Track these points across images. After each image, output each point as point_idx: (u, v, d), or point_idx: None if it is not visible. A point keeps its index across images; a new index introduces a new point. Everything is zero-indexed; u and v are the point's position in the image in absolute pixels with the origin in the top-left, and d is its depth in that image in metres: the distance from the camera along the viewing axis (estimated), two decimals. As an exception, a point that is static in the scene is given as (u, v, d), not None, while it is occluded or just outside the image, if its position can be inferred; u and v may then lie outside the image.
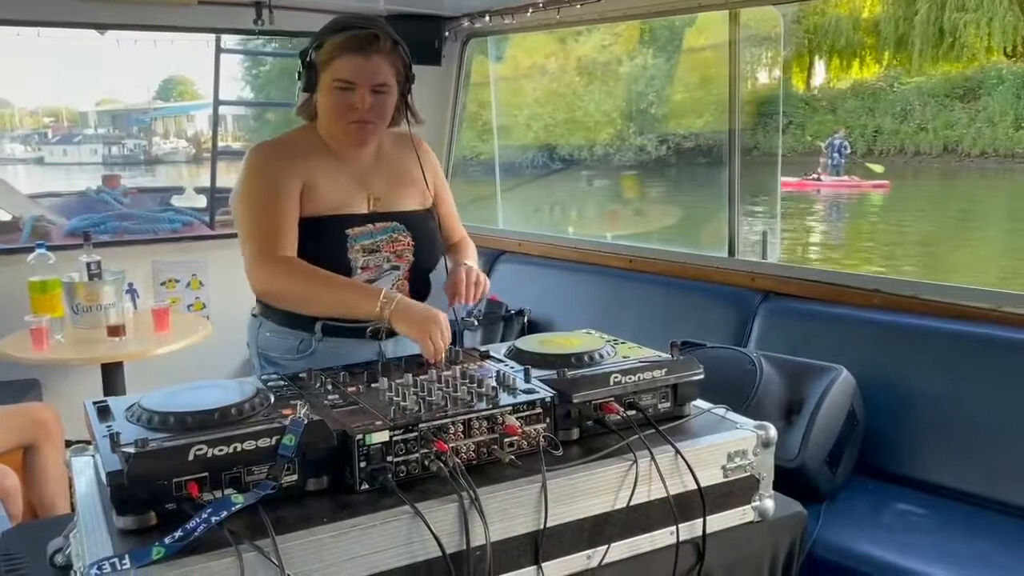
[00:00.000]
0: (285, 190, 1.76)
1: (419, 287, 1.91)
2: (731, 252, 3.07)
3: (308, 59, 1.75)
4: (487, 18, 3.58)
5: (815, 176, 21.04)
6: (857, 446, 2.32)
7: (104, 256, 3.20)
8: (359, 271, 1.80)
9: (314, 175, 1.79)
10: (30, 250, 3.27)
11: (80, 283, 3.12)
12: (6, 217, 5.62)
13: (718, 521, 1.43)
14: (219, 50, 4.09)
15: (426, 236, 1.89)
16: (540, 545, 1.27)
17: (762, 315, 2.77)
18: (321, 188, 1.79)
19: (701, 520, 1.40)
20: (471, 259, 2.00)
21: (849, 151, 21.86)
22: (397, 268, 1.85)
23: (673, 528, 1.38)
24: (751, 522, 1.48)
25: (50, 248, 3.26)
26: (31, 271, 3.17)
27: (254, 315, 1.91)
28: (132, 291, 3.38)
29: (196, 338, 3.12)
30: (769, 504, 1.49)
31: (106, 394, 2.98)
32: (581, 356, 1.56)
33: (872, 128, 24.69)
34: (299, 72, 1.78)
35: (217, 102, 4.50)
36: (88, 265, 3.11)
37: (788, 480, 1.65)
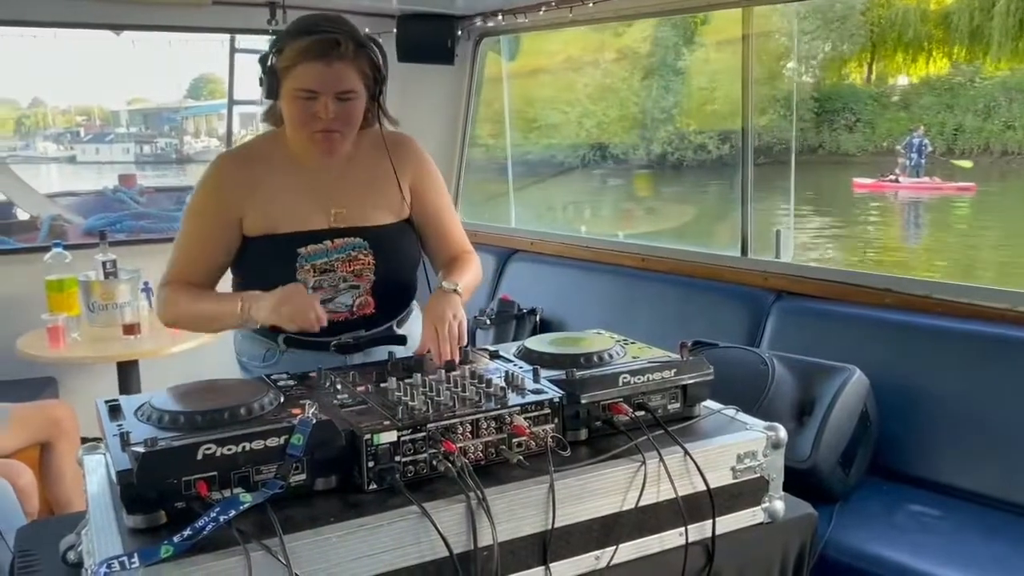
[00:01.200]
0: (221, 221, 1.73)
1: (387, 304, 1.82)
2: (744, 251, 3.06)
3: (269, 64, 1.65)
4: (500, 17, 3.58)
5: (893, 177, 19.69)
6: (870, 447, 2.30)
7: (120, 255, 3.23)
8: (311, 291, 1.71)
9: (273, 189, 1.73)
10: (47, 249, 3.32)
11: (96, 282, 3.15)
12: (24, 216, 5.67)
13: (728, 522, 1.42)
14: (233, 50, 4.11)
15: (392, 253, 1.79)
16: (548, 545, 1.27)
17: (775, 315, 2.76)
18: (277, 203, 1.72)
19: (711, 521, 1.39)
20: (462, 281, 1.76)
21: (930, 150, 20.32)
22: (356, 287, 1.77)
23: (682, 529, 1.37)
24: (761, 523, 1.47)
25: (67, 247, 3.30)
26: (48, 270, 3.21)
27: None
28: (147, 289, 3.40)
29: (210, 337, 3.13)
30: (779, 505, 1.48)
31: (121, 392, 3.01)
32: (590, 356, 1.56)
33: (952, 126, 22.60)
34: (260, 78, 1.68)
35: (232, 102, 4.53)
36: (104, 264, 3.15)
37: (800, 481, 1.65)
